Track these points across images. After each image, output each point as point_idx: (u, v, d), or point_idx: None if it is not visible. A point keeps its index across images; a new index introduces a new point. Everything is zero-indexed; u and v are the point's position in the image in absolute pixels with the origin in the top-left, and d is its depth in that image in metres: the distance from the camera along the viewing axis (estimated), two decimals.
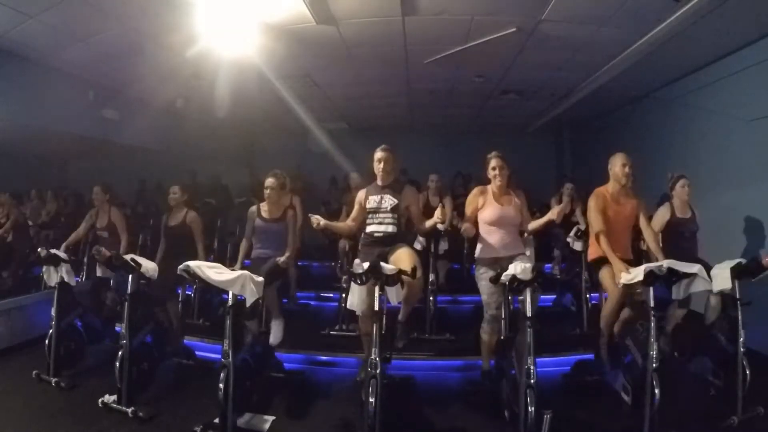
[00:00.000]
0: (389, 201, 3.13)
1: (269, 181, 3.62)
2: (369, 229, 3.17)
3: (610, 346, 3.21)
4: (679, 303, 3.47)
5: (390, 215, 3.12)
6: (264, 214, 3.66)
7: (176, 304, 4.15)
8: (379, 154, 3.16)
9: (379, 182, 3.21)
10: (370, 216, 3.17)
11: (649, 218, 3.41)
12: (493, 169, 3.15)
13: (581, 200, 5.53)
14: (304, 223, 4.42)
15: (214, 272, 2.77)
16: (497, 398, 2.92)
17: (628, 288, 2.94)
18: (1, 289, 4.79)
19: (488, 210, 3.14)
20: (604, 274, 3.18)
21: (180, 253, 3.67)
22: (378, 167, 3.15)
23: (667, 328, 3.50)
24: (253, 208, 3.74)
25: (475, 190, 3.25)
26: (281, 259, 3.40)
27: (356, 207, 3.27)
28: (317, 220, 3.09)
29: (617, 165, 3.19)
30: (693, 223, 3.70)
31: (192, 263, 2.83)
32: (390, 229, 3.12)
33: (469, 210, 3.19)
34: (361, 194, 3.27)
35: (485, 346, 3.22)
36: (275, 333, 3.57)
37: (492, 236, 3.13)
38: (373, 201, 3.16)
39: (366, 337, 3.06)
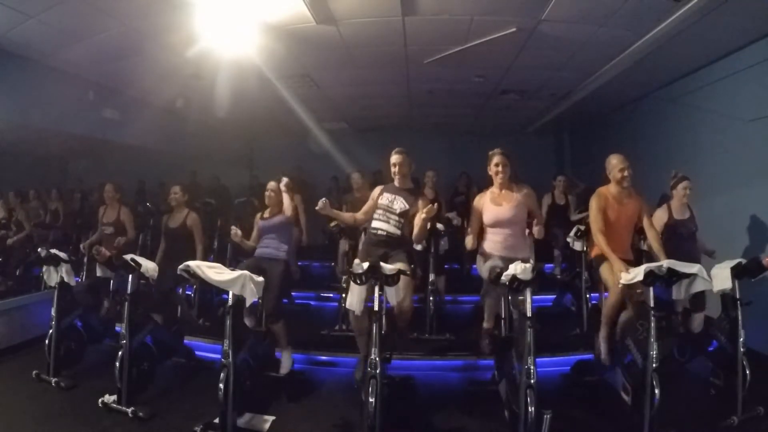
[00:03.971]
0: (400, 204, 3.15)
1: (271, 184, 3.71)
2: (374, 224, 3.19)
3: (610, 343, 3.20)
4: (692, 307, 3.52)
5: (397, 218, 3.14)
6: (265, 215, 3.75)
7: (181, 301, 4.17)
8: (394, 157, 3.20)
9: (396, 183, 3.24)
10: (378, 212, 3.19)
11: (651, 219, 3.40)
12: (496, 165, 3.19)
13: (581, 194, 5.56)
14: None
15: (214, 272, 2.77)
16: (497, 398, 2.92)
17: (628, 288, 2.94)
18: (1, 289, 4.80)
19: (486, 213, 3.22)
20: (604, 269, 3.18)
21: (179, 253, 3.68)
22: (394, 170, 3.19)
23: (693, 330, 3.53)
24: (259, 214, 3.82)
25: (478, 197, 3.34)
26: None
27: (369, 202, 3.30)
28: (323, 203, 3.03)
29: (615, 168, 3.15)
30: (692, 224, 3.70)
31: (192, 263, 2.83)
32: (393, 230, 3.13)
33: (474, 219, 3.29)
34: (377, 190, 3.31)
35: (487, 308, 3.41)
36: (285, 364, 3.51)
37: (494, 237, 3.21)
38: (386, 199, 3.20)
39: (361, 336, 3.08)
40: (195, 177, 7.88)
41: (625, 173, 3.12)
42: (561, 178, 5.63)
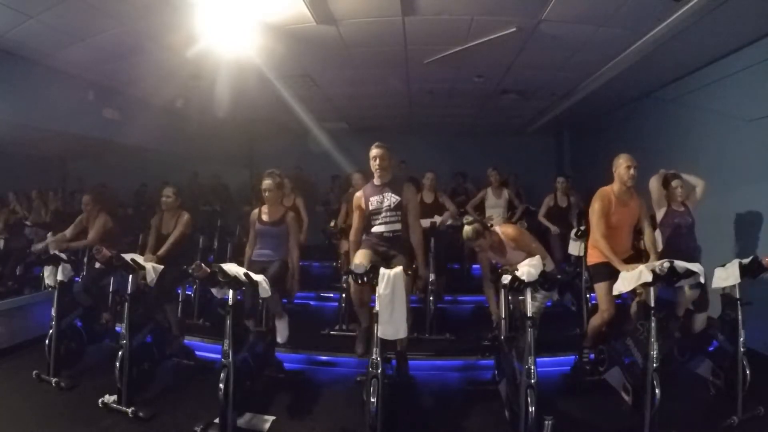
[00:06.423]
0: (392, 199, 3.10)
1: (266, 183, 3.57)
2: (374, 229, 3.14)
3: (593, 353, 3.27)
4: (696, 308, 3.46)
5: (394, 213, 3.11)
6: (264, 217, 3.64)
7: (176, 307, 4.14)
8: (374, 151, 3.12)
9: (376, 181, 3.17)
10: (373, 217, 3.14)
11: (650, 218, 3.40)
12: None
13: (580, 195, 5.56)
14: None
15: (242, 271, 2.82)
16: (497, 398, 2.92)
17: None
18: (1, 289, 4.80)
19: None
20: (599, 288, 3.18)
21: (178, 255, 3.68)
22: (374, 165, 3.12)
23: (678, 315, 3.43)
24: (255, 211, 3.72)
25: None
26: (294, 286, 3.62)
27: (357, 213, 3.23)
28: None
29: (621, 166, 3.14)
30: (688, 215, 3.70)
31: (224, 265, 2.83)
32: (396, 227, 3.11)
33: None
34: (358, 197, 3.23)
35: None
36: (282, 331, 3.59)
37: None
38: (375, 202, 3.13)
39: (361, 308, 3.08)
40: (197, 177, 7.88)
41: (632, 171, 3.10)
42: (561, 179, 5.63)
